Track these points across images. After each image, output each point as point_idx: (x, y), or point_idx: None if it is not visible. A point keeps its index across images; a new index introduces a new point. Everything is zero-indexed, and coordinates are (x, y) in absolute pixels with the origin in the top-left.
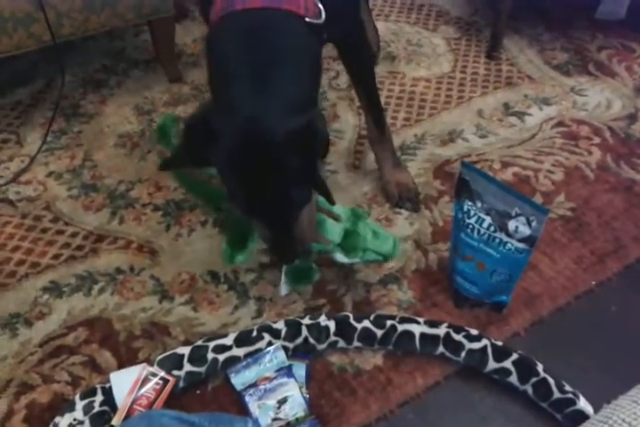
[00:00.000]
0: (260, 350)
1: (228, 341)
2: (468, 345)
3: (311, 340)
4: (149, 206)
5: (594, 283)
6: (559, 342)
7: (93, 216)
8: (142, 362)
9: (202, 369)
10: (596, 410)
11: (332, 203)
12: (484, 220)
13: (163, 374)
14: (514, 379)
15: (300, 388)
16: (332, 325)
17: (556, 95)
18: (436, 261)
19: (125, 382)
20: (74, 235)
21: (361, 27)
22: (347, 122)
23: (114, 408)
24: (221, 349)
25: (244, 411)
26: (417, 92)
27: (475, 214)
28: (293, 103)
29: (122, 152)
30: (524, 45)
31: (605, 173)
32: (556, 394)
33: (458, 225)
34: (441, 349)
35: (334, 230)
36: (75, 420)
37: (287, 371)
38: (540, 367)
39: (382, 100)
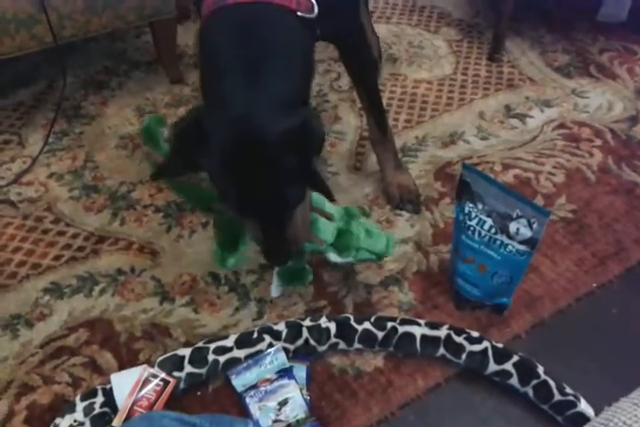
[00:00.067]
0: (260, 351)
1: (229, 342)
2: (469, 347)
3: (312, 341)
4: (150, 208)
5: (595, 285)
6: (560, 344)
7: (94, 217)
8: (143, 363)
9: (202, 371)
10: (597, 412)
11: (333, 200)
12: (485, 222)
13: (163, 375)
14: (514, 381)
15: (301, 390)
16: (332, 326)
17: (557, 97)
18: (437, 263)
19: (126, 384)
20: (75, 236)
21: (361, 27)
22: (348, 123)
23: (114, 409)
24: (222, 350)
25: (244, 413)
26: (418, 94)
27: (476, 216)
28: (286, 100)
29: (123, 153)
30: (525, 47)
31: (607, 175)
32: (557, 396)
33: (459, 227)
34: (442, 351)
35: (327, 230)
36: (75, 421)
37: (288, 373)
38: (540, 370)
39: (384, 101)
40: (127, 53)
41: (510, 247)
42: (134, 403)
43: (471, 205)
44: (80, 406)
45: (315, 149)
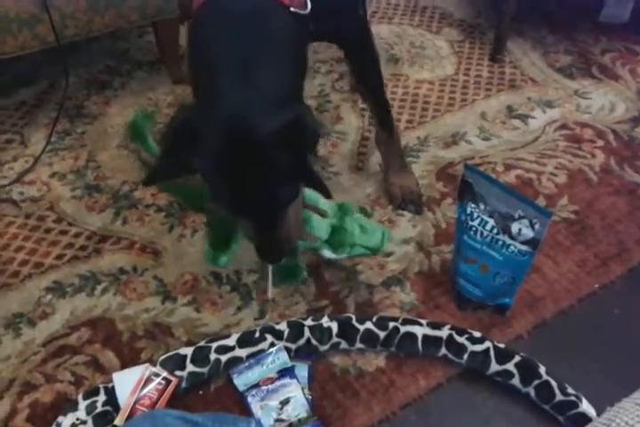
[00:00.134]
0: (262, 350)
1: (231, 341)
2: (471, 347)
3: (314, 341)
4: (153, 207)
5: (597, 286)
6: (562, 344)
7: (97, 217)
8: (145, 362)
9: (204, 370)
10: (599, 413)
11: (330, 197)
12: (487, 222)
13: (165, 374)
14: (516, 381)
15: (303, 389)
16: (334, 326)
17: (559, 98)
18: (439, 264)
19: (128, 383)
20: (77, 235)
21: (364, 27)
22: (350, 124)
23: (116, 408)
24: (224, 349)
25: (246, 412)
26: (420, 95)
27: (478, 217)
28: (278, 97)
29: (125, 153)
30: (527, 48)
31: (609, 175)
32: (559, 397)
33: (461, 227)
34: (443, 351)
35: (321, 227)
36: (77, 419)
37: (289, 372)
38: (542, 370)
39: None
40: (130, 53)
41: (512, 248)
42: (136, 402)
43: (473, 205)
44: (82, 404)
45: (308, 147)
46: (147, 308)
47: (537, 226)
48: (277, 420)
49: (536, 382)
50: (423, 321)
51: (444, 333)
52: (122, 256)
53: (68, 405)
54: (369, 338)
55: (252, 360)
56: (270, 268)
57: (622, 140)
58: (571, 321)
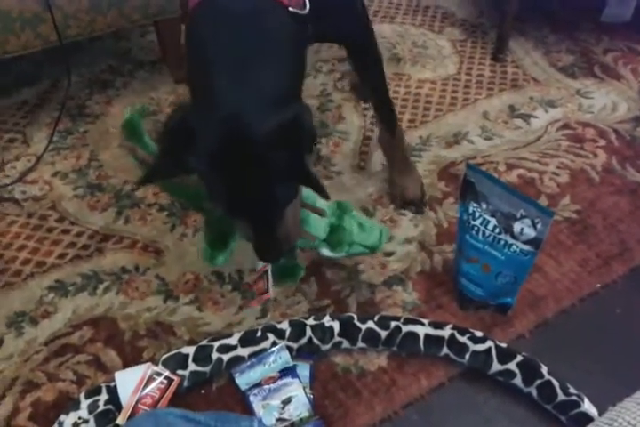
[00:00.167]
0: (264, 350)
1: (233, 341)
2: (473, 347)
3: (315, 340)
4: (155, 206)
5: (599, 285)
6: (564, 344)
7: (99, 216)
8: (147, 361)
9: (206, 369)
10: (601, 413)
11: (327, 198)
12: (489, 221)
13: (167, 373)
14: (518, 381)
15: (304, 388)
16: (336, 325)
17: (561, 97)
18: (441, 263)
19: (130, 382)
20: (79, 234)
21: (365, 26)
22: (352, 123)
23: (118, 407)
24: (226, 349)
25: (248, 411)
26: (422, 94)
27: (480, 216)
28: (276, 97)
29: (127, 152)
30: (529, 47)
31: (611, 175)
32: (561, 396)
33: (463, 227)
34: (445, 350)
35: (319, 226)
36: (80, 418)
37: (291, 371)
38: (544, 370)
39: None
40: (132, 53)
41: (514, 247)
42: (138, 401)
43: (475, 204)
44: (84, 403)
45: (306, 147)
46: (149, 307)
47: (539, 225)
48: (279, 419)
49: (538, 381)
50: (425, 321)
51: (445, 332)
52: (124, 255)
53: (70, 404)
54: (371, 337)
55: (253, 359)
56: (270, 267)
57: (624, 139)
58: (572, 321)
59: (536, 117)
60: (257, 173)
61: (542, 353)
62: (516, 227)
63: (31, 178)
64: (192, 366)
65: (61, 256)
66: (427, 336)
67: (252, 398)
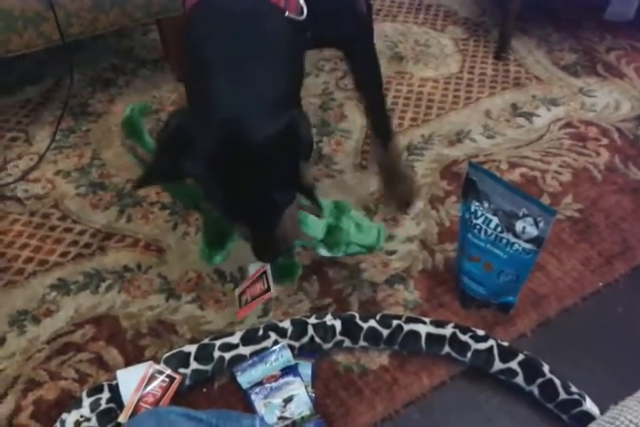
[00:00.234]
0: (266, 348)
1: (235, 339)
2: (475, 346)
3: (317, 339)
4: (157, 205)
5: (601, 284)
6: (566, 343)
7: (101, 214)
8: (149, 360)
9: (208, 367)
10: (602, 411)
11: (319, 208)
12: (491, 220)
13: (169, 371)
14: (520, 380)
15: (306, 387)
16: (338, 324)
17: (564, 96)
18: (443, 262)
19: (132, 380)
20: (82, 233)
21: (365, 30)
22: (354, 122)
23: (120, 405)
24: (228, 347)
25: (249, 409)
26: (424, 93)
27: (482, 215)
28: (273, 101)
29: (127, 150)
30: (532, 46)
31: (613, 174)
32: (562, 395)
33: (465, 225)
34: (447, 349)
35: (317, 227)
36: (82, 417)
37: (293, 370)
38: (546, 368)
39: (389, 100)
40: (134, 51)
41: (516, 246)
42: (140, 399)
43: (477, 203)
44: (86, 401)
45: (302, 154)
46: (151, 305)
47: (541, 224)
48: (280, 418)
49: (540, 380)
50: (427, 319)
51: (447, 331)
52: (126, 254)
53: (72, 402)
54: (372, 336)
55: (255, 358)
56: (269, 266)
57: (627, 138)
58: (574, 320)
59: (538, 116)
60: (255, 178)
61: (544, 352)
62: (519, 225)
63: (34, 176)
64: (194, 365)
65: (64, 255)
66: (428, 335)
67: (253, 397)
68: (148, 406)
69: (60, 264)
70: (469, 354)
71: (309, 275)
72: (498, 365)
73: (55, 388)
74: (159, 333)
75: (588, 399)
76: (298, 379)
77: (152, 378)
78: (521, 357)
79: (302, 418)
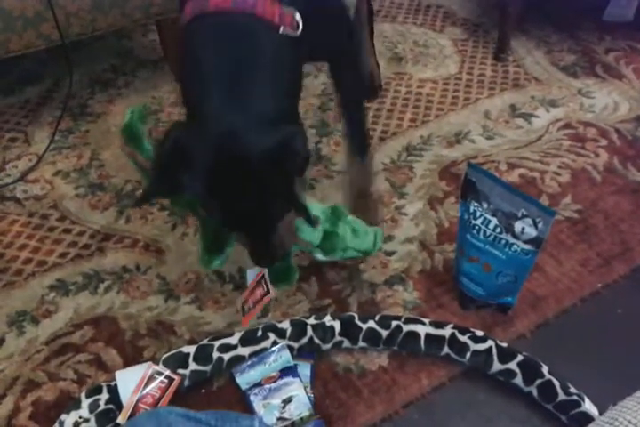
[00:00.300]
0: (265, 349)
1: (234, 340)
2: (474, 346)
3: (316, 340)
4: (156, 206)
5: (600, 285)
6: (564, 344)
7: (100, 215)
8: (148, 360)
9: (207, 368)
10: (601, 412)
11: (313, 224)
12: (490, 221)
13: (168, 372)
14: (519, 380)
15: (305, 388)
16: (337, 325)
17: (563, 97)
18: (442, 262)
19: (131, 381)
20: (80, 233)
21: (352, 51)
22: None
23: (119, 406)
24: (226, 348)
25: (248, 410)
26: (423, 94)
27: (481, 215)
28: (270, 116)
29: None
30: (531, 47)
31: (612, 175)
32: (561, 396)
33: (464, 226)
34: (446, 350)
35: (313, 233)
36: (80, 418)
37: (292, 371)
38: (545, 369)
39: (388, 101)
40: (134, 52)
41: (515, 247)
42: (139, 400)
43: (476, 204)
44: (85, 402)
45: (296, 170)
46: (150, 306)
47: (540, 225)
48: (279, 418)
49: (538, 381)
50: (426, 320)
51: (446, 332)
52: (125, 254)
53: (70, 403)
54: (371, 337)
55: (254, 359)
56: (266, 271)
57: (626, 139)
58: (573, 320)
59: (537, 117)
60: (252, 190)
61: (543, 353)
62: (517, 226)
63: (32, 177)
64: (193, 366)
65: (62, 255)
66: (427, 336)
67: (252, 398)
68: (146, 407)
69: (59, 265)
70: (468, 355)
71: (308, 276)
72: (497, 365)
73: (54, 389)
74: (158, 333)
75: (586, 400)
76: (297, 380)
77: (151, 379)
78: (520, 357)
79: (301, 419)
